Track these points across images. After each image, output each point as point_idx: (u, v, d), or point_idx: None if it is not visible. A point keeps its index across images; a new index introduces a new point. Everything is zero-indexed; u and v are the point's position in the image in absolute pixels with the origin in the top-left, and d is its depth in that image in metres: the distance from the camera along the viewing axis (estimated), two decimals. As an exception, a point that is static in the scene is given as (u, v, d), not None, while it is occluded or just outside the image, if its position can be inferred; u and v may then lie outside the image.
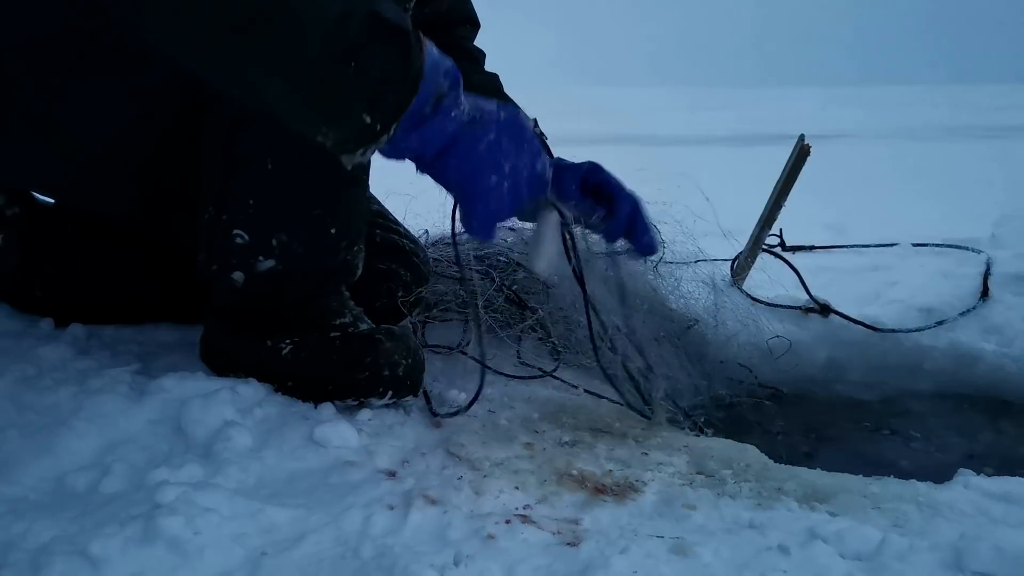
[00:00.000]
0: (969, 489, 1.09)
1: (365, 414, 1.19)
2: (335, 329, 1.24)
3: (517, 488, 1.04)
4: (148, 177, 1.28)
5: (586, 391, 1.42)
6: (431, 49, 0.99)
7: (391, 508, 0.97)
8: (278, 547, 0.89)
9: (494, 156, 1.04)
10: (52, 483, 0.99)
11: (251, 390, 1.22)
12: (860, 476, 1.14)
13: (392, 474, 1.05)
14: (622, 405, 1.33)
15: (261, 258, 1.19)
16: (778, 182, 1.93)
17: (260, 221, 1.19)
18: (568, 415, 1.30)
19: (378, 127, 0.97)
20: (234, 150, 1.19)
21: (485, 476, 1.06)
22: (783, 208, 1.94)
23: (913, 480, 1.13)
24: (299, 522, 0.93)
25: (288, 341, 1.22)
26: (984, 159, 5.66)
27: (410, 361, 1.22)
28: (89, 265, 1.42)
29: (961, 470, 1.14)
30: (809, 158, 1.89)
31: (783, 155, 1.92)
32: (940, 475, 1.15)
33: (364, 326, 1.27)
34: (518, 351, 1.48)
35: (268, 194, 1.19)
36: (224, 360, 1.25)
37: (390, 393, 1.21)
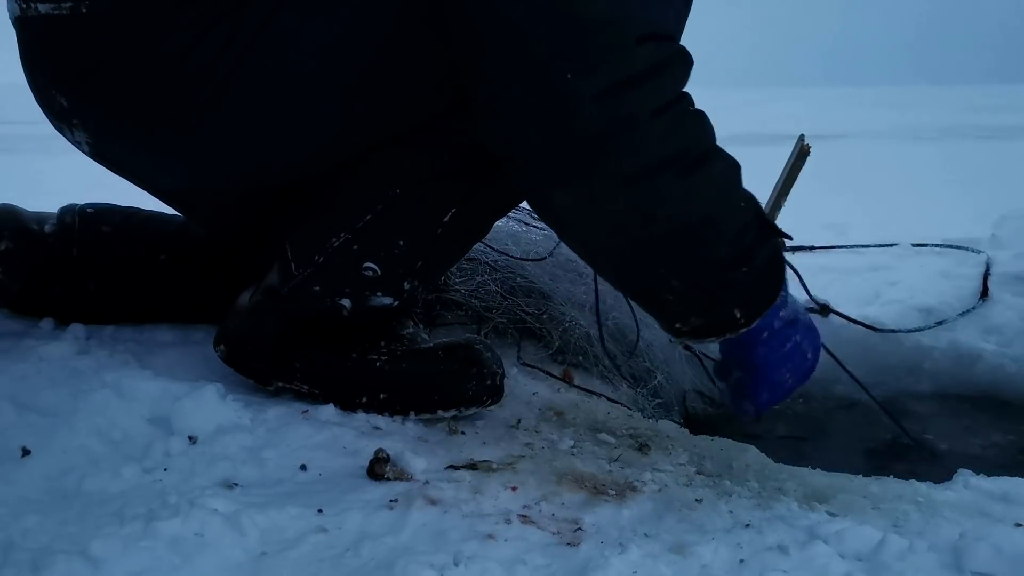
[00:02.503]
0: (969, 489, 1.09)
1: (361, 415, 1.19)
2: (404, 340, 1.25)
3: (517, 488, 1.04)
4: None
5: (586, 391, 1.42)
6: None
7: (391, 508, 0.97)
8: (278, 547, 0.89)
9: (793, 357, 1.13)
10: (52, 483, 0.99)
11: (250, 390, 1.23)
12: (860, 476, 1.14)
13: (392, 474, 1.05)
14: (621, 405, 1.33)
15: (380, 294, 1.19)
16: (778, 182, 1.93)
17: (403, 264, 1.19)
18: (568, 415, 1.30)
19: (743, 321, 1.06)
20: (408, 199, 1.17)
21: (485, 476, 1.06)
22: (783, 208, 1.94)
23: (913, 480, 1.13)
24: (299, 522, 0.93)
25: (376, 353, 1.22)
26: (984, 159, 5.66)
27: (503, 370, 1.24)
28: (101, 286, 1.41)
29: (961, 470, 1.14)
30: (809, 158, 1.89)
31: (783, 155, 1.92)
32: (940, 475, 1.15)
33: (424, 334, 1.29)
34: (518, 352, 1.48)
35: (428, 248, 1.19)
36: (280, 367, 1.22)
37: (489, 401, 1.22)
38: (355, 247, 1.18)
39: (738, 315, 1.06)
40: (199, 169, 1.19)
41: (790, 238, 1.11)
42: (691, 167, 1.01)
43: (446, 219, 1.18)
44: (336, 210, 1.19)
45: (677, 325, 1.09)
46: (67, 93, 1.16)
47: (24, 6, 1.14)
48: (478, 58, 1.02)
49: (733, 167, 1.06)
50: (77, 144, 1.21)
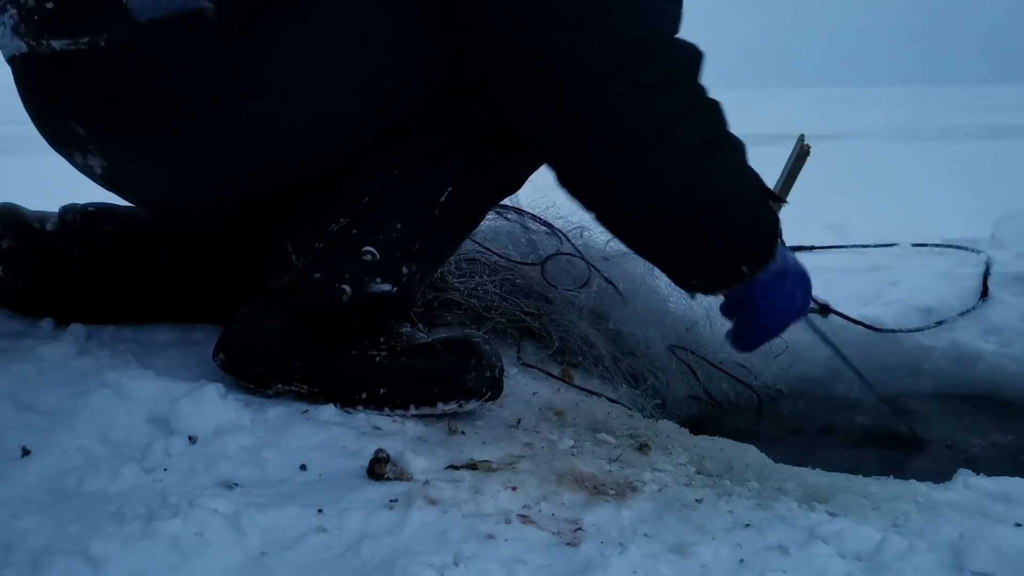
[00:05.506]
0: (969, 489, 1.09)
1: (361, 415, 1.19)
2: (403, 336, 1.26)
3: (517, 488, 1.04)
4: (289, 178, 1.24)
5: (586, 391, 1.42)
6: None
7: (391, 508, 0.97)
8: (278, 547, 0.89)
9: (784, 304, 1.22)
10: (52, 483, 0.99)
11: (250, 390, 1.23)
12: (860, 476, 1.14)
13: (392, 474, 1.05)
14: (621, 405, 1.33)
15: (379, 279, 1.20)
16: (778, 182, 1.93)
17: (400, 247, 1.20)
18: (568, 415, 1.30)
19: (749, 275, 1.16)
20: (404, 180, 1.19)
21: (485, 476, 1.06)
22: (783, 208, 1.94)
23: (913, 480, 1.13)
24: (299, 522, 0.93)
25: (375, 349, 1.22)
26: (984, 159, 5.66)
27: (501, 364, 1.25)
28: (102, 285, 1.41)
29: (961, 470, 1.14)
30: (809, 158, 1.89)
31: (783, 155, 1.92)
32: (940, 475, 1.15)
33: (423, 333, 1.30)
34: (518, 352, 1.48)
35: (425, 229, 1.21)
36: (279, 369, 1.22)
37: (489, 394, 1.23)
38: (354, 231, 1.19)
39: (745, 270, 1.15)
40: (218, 179, 1.20)
41: (786, 202, 1.25)
42: (716, 147, 1.13)
43: (442, 199, 1.20)
44: (336, 198, 1.20)
45: (695, 282, 1.20)
46: (86, 122, 1.17)
47: (34, 44, 1.14)
48: (522, 84, 1.09)
49: (742, 147, 1.17)
50: (87, 167, 1.22)
